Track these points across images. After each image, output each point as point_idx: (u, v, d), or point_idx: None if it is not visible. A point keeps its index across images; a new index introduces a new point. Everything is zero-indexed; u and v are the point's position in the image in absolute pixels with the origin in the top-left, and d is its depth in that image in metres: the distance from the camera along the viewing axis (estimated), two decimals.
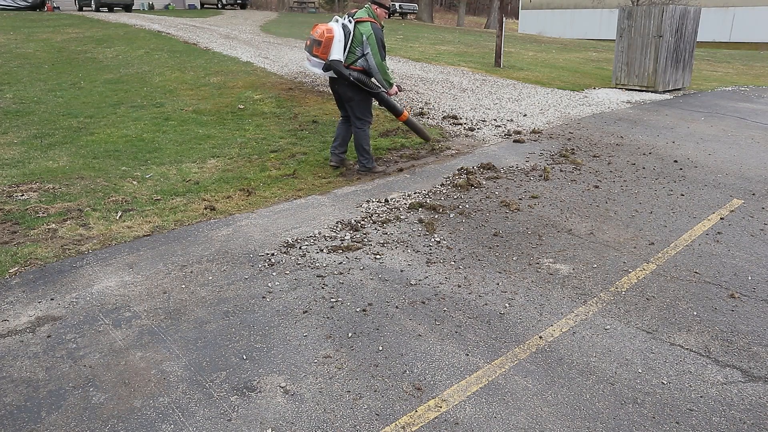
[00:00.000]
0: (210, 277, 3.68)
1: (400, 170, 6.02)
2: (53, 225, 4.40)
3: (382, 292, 3.53)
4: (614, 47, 12.05)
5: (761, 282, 3.78)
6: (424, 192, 5.35)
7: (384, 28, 5.40)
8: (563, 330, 3.19)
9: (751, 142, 7.67)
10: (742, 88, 12.98)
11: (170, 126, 7.41)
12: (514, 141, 7.33)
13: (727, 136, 8.01)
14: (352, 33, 5.24)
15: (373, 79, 5.54)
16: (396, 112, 5.80)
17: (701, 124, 8.74)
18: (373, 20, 5.28)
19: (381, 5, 5.41)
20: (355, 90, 5.43)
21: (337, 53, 5.20)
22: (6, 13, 24.07)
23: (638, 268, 3.95)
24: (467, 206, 5.02)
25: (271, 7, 44.58)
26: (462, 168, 6.02)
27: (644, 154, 6.93)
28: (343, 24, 5.26)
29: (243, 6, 37.02)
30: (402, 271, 3.82)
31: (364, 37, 5.25)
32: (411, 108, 8.88)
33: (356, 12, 5.44)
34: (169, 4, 35.88)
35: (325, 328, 3.14)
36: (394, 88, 5.60)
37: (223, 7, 36.30)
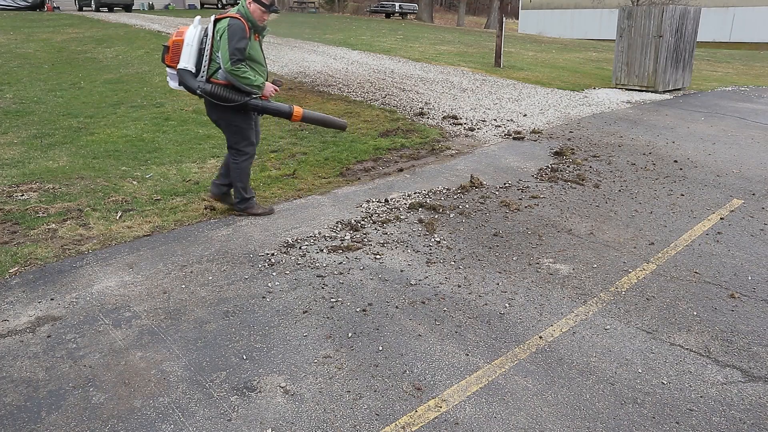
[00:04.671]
0: (210, 277, 3.68)
1: (400, 170, 6.01)
2: (53, 225, 4.39)
3: (382, 292, 3.53)
4: (614, 47, 12.06)
5: (761, 282, 3.78)
6: (424, 192, 5.35)
7: (259, 33, 4.28)
8: (563, 330, 3.19)
9: (751, 142, 7.67)
10: (742, 88, 12.98)
11: (170, 126, 7.41)
12: (514, 141, 7.34)
13: (727, 136, 8.01)
14: (211, 36, 4.14)
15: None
16: (283, 115, 4.44)
17: (701, 124, 8.74)
18: (238, 17, 4.10)
19: (257, 1, 4.14)
20: (218, 110, 4.29)
21: (185, 60, 4.13)
22: (6, 13, 24.07)
23: (638, 268, 3.95)
24: (467, 206, 5.02)
25: None
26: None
27: (644, 154, 6.93)
28: (206, 28, 4.19)
29: None
30: (402, 271, 3.82)
31: (217, 36, 4.12)
32: (411, 108, 8.87)
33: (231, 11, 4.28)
34: (169, 4, 35.88)
35: (325, 328, 3.14)
36: (269, 88, 4.32)
37: (223, 7, 36.28)
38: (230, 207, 4.83)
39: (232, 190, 4.69)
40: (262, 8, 4.14)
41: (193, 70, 4.16)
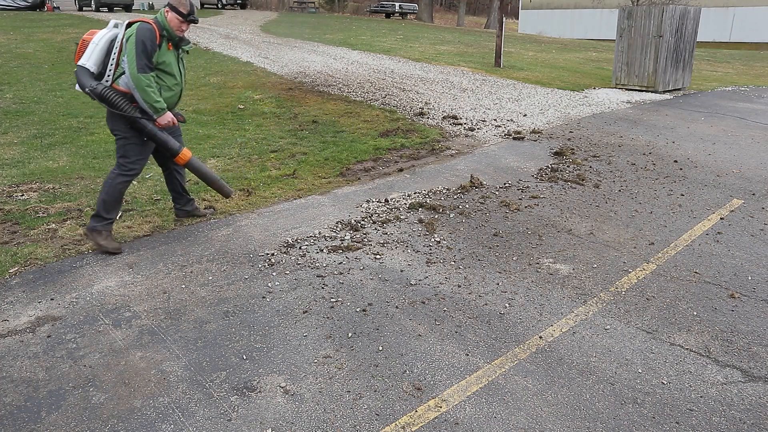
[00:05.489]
0: (210, 277, 3.68)
1: (400, 170, 6.02)
2: (53, 225, 4.40)
3: (382, 292, 3.53)
4: (614, 47, 12.06)
5: (761, 282, 3.78)
6: (424, 192, 5.35)
7: (176, 44, 3.99)
8: (563, 330, 3.19)
9: (751, 142, 7.67)
10: (742, 88, 12.98)
11: None
12: (514, 141, 7.34)
13: (727, 136, 8.01)
14: (120, 40, 3.85)
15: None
16: (170, 151, 4.05)
17: (701, 124, 8.75)
18: (150, 22, 3.86)
19: (175, 9, 3.88)
20: (114, 119, 3.92)
21: (85, 58, 3.84)
22: (6, 13, 24.07)
23: (638, 268, 3.95)
24: (467, 206, 5.02)
25: (271, 7, 44.60)
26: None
27: (644, 154, 6.93)
28: (119, 32, 3.93)
29: (243, 6, 37.05)
30: (402, 271, 3.82)
31: (125, 39, 3.84)
32: (411, 108, 8.87)
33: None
34: None
35: (325, 328, 3.14)
36: (167, 117, 3.96)
37: (223, 7, 36.30)
38: (229, 207, 4.83)
39: (190, 202, 4.58)
40: (180, 17, 3.90)
41: (93, 70, 3.85)
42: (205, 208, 4.75)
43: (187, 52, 4.17)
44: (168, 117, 3.98)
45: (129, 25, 3.90)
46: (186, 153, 4.10)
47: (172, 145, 4.04)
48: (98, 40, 3.87)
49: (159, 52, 3.90)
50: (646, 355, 2.98)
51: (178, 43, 4.02)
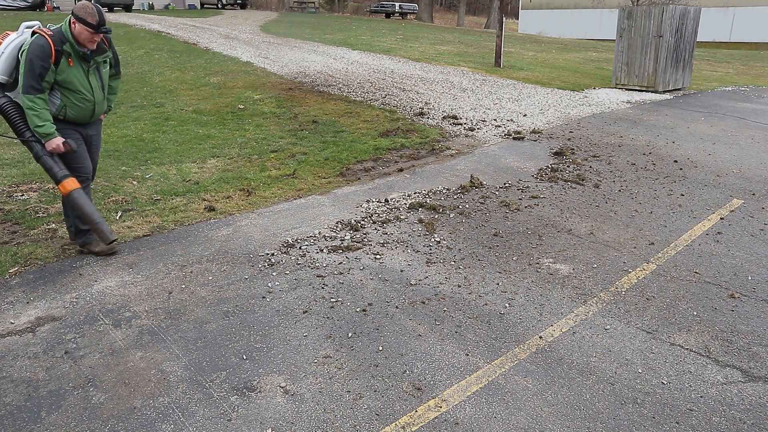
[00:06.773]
0: (210, 277, 3.68)
1: (400, 170, 6.02)
2: (53, 225, 4.39)
3: (382, 292, 3.53)
4: (614, 47, 12.06)
5: (761, 282, 3.78)
6: (424, 192, 5.35)
7: (79, 56, 3.59)
8: (563, 330, 3.19)
9: (751, 142, 7.67)
10: (742, 88, 12.98)
11: (170, 126, 7.41)
12: (514, 141, 7.34)
13: (727, 136, 8.01)
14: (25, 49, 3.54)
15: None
16: (52, 178, 3.67)
17: (701, 124, 8.74)
18: (44, 34, 3.50)
19: (82, 21, 3.47)
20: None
21: None
22: (6, 13, 24.09)
23: (638, 268, 3.95)
24: (467, 206, 5.02)
25: (271, 7, 44.62)
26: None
27: (644, 154, 6.93)
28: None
29: (243, 6, 37.08)
30: (402, 271, 3.82)
31: (20, 54, 3.55)
32: (411, 108, 8.87)
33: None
34: (169, 4, 35.89)
35: (325, 328, 3.14)
36: (54, 143, 3.57)
37: (223, 7, 36.32)
38: (229, 207, 4.83)
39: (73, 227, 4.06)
40: (90, 29, 3.48)
41: (1, 80, 3.59)
42: (204, 208, 4.75)
43: (106, 61, 3.81)
44: (54, 143, 3.58)
45: (33, 34, 3.55)
46: (68, 185, 3.64)
47: (54, 172, 3.64)
48: (5, 47, 3.57)
49: (58, 69, 3.55)
50: (646, 355, 2.98)
51: (85, 56, 3.63)
